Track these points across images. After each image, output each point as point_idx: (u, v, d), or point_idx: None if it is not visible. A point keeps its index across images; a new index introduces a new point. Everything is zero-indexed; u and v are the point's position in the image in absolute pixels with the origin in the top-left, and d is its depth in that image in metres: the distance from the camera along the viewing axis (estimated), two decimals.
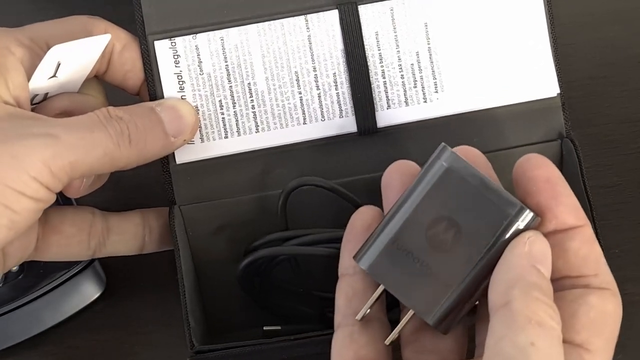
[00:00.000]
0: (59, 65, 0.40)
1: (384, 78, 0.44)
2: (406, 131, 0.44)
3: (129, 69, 0.43)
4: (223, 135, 0.44)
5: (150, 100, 0.43)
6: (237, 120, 0.44)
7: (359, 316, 0.36)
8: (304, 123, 0.44)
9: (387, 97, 0.44)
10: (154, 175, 0.46)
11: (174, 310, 0.45)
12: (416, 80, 0.44)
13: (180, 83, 0.44)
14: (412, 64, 0.44)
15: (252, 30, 0.44)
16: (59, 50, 0.40)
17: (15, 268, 0.47)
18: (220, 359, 0.41)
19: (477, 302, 0.36)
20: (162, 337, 0.47)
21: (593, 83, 0.52)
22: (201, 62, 0.44)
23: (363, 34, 0.44)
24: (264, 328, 0.44)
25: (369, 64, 0.44)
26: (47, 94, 0.42)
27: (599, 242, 0.36)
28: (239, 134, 0.44)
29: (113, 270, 0.48)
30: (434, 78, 0.44)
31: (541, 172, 0.35)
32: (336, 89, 0.44)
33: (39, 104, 0.42)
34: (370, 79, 0.44)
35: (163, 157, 0.43)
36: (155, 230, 0.45)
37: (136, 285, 0.49)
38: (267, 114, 0.44)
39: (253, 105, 0.44)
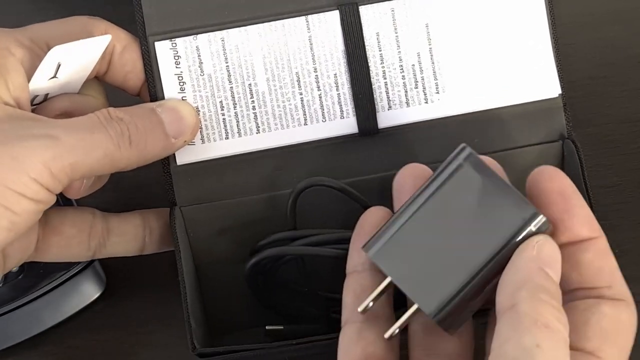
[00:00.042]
0: (59, 66, 0.40)
1: (385, 79, 0.44)
2: (407, 132, 0.44)
3: (130, 69, 0.43)
4: (224, 136, 0.44)
5: (151, 101, 0.43)
6: (237, 121, 0.44)
7: (361, 308, 0.36)
8: (305, 124, 0.44)
9: (388, 97, 0.44)
10: (154, 176, 0.45)
11: (174, 310, 0.45)
12: (417, 81, 0.44)
13: (181, 84, 0.44)
14: (413, 65, 0.44)
15: (252, 31, 0.44)
16: (59, 51, 0.40)
17: (15, 268, 0.46)
18: None
19: (482, 305, 0.36)
20: (162, 337, 0.47)
21: (593, 83, 0.52)
22: (202, 62, 0.44)
23: (364, 35, 0.44)
24: (267, 327, 0.44)
25: (369, 64, 0.44)
26: (47, 94, 0.42)
27: None
28: (239, 135, 0.44)
29: (113, 271, 0.48)
30: (435, 79, 0.44)
31: (554, 184, 0.35)
32: (337, 90, 0.44)
33: (39, 104, 0.42)
34: (371, 79, 0.44)
35: (164, 158, 0.43)
36: (156, 231, 0.45)
37: (136, 286, 0.49)
38: (268, 115, 0.44)
39: (254, 106, 0.44)
